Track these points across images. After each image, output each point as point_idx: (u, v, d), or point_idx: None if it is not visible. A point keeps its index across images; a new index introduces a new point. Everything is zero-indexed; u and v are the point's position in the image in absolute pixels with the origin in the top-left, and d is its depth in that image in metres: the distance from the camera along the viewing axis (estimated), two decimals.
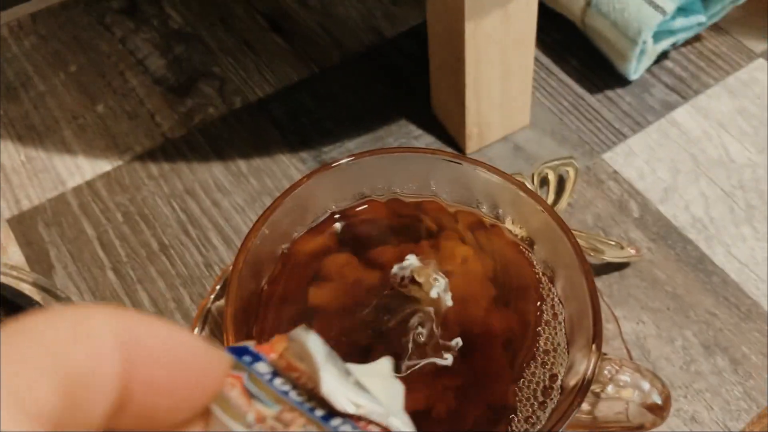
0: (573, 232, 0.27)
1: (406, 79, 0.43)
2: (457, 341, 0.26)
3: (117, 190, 0.39)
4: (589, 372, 0.24)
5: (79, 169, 0.40)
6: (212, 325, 0.34)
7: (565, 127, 0.41)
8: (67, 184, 0.39)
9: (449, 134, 0.41)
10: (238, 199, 0.38)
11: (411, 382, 0.25)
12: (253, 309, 0.27)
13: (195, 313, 0.35)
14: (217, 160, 0.40)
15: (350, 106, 0.42)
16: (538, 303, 0.27)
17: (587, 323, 0.25)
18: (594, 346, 0.24)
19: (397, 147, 0.28)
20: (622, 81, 0.43)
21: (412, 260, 0.27)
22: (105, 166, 0.40)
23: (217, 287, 0.34)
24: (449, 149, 0.40)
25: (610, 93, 0.43)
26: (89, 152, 0.40)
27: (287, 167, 0.40)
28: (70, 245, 0.37)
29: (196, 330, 0.33)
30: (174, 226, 0.37)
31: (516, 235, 0.29)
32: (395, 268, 0.27)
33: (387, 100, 0.42)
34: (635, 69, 0.42)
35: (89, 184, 0.39)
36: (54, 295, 0.35)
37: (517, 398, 0.25)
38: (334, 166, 0.28)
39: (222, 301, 0.34)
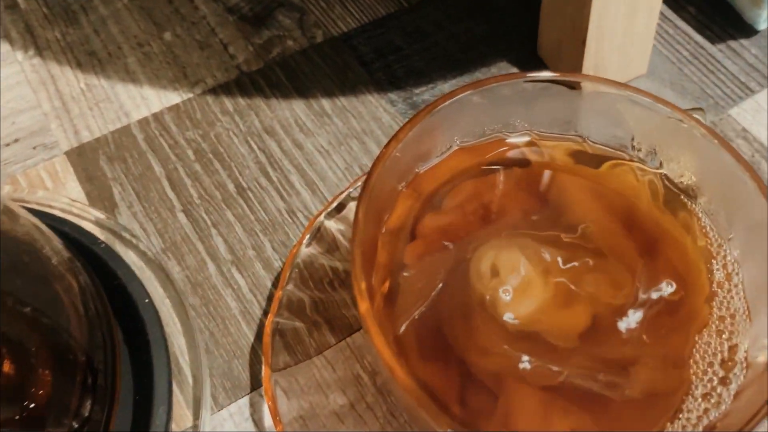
0: None
1: (506, 18, 0.39)
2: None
3: (188, 125, 0.35)
4: None
5: (145, 100, 0.36)
6: (297, 279, 0.30)
7: (686, 78, 0.37)
8: (132, 116, 0.35)
9: None
10: (321, 140, 0.34)
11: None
12: (372, 253, 0.23)
13: (278, 263, 0.31)
14: (298, 98, 0.36)
15: (443, 45, 0.38)
16: (708, 262, 0.23)
17: None
18: None
19: (540, 75, 0.24)
20: (745, 31, 0.39)
21: None
22: (174, 98, 0.36)
23: (307, 236, 0.30)
24: None
25: (733, 43, 0.38)
26: (156, 82, 0.36)
27: (375, 108, 0.35)
28: (135, 183, 0.33)
29: (285, 283, 0.29)
30: (252, 167, 0.33)
31: (676, 183, 0.24)
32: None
33: (484, 40, 0.38)
34: (766, 17, 0.37)
35: (156, 116, 0.35)
36: (119, 235, 0.31)
37: (691, 371, 0.21)
38: (460, 96, 0.24)
39: (309, 250, 0.30)
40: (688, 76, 0.37)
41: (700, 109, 0.35)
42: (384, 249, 0.23)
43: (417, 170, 0.24)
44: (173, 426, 0.27)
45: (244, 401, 0.28)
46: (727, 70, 0.37)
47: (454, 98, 0.23)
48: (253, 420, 0.27)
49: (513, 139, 0.25)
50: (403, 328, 0.21)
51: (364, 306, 0.19)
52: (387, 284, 0.23)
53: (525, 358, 0.21)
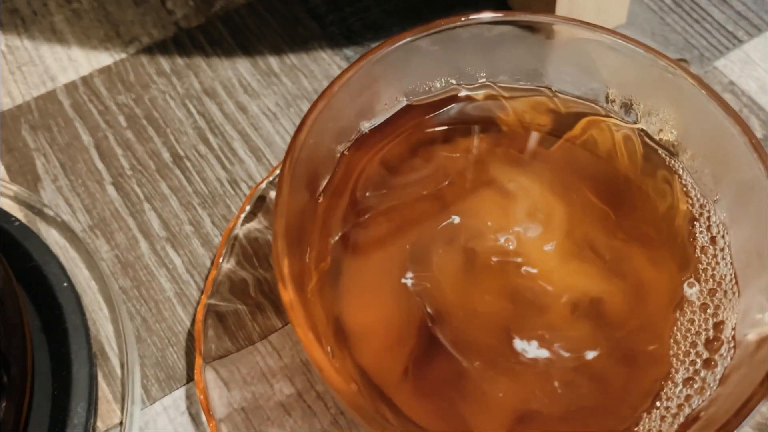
0: None
1: None
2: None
3: (120, 88, 0.31)
4: None
5: (73, 62, 0.32)
6: (240, 255, 0.27)
7: (669, 28, 0.34)
8: (58, 80, 0.32)
9: None
10: (268, 102, 0.31)
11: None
12: (306, 226, 0.20)
13: (218, 240, 0.28)
14: (243, 56, 0.32)
15: None
16: (690, 224, 0.20)
17: None
18: None
19: (500, 16, 0.21)
20: None
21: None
22: (105, 59, 0.32)
23: (247, 207, 0.27)
24: None
25: None
26: (85, 42, 0.33)
27: (328, 66, 0.32)
28: (60, 153, 0.30)
29: (221, 260, 0.26)
30: (190, 133, 0.30)
31: (656, 140, 0.22)
32: None
33: None
34: None
35: (85, 80, 0.32)
36: (39, 212, 0.28)
37: (671, 352, 0.18)
38: (408, 41, 0.21)
39: (252, 224, 0.27)
40: (671, 25, 0.34)
41: (685, 60, 0.32)
42: (322, 220, 0.20)
43: (361, 130, 0.21)
44: (99, 423, 0.24)
45: (180, 393, 0.25)
46: (713, 19, 0.34)
47: (400, 42, 0.20)
48: (190, 414, 0.24)
49: (470, 93, 0.22)
50: (338, 236, 0.19)
51: (287, 295, 0.16)
52: (328, 261, 0.20)
53: (409, 275, 0.18)
